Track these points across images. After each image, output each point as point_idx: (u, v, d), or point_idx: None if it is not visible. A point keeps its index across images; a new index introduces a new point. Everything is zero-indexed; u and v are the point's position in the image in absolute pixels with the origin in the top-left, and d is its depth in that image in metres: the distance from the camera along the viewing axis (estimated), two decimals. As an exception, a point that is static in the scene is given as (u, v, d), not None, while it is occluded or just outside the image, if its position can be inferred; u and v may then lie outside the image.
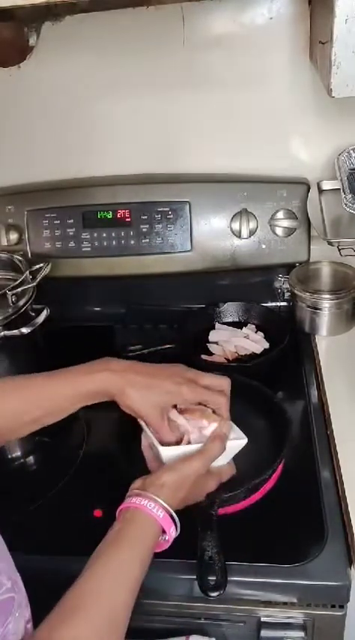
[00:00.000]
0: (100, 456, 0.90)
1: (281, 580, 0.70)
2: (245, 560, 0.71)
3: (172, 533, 0.62)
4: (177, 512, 0.63)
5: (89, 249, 1.13)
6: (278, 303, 1.17)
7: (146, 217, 1.11)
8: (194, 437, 0.71)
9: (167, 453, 0.68)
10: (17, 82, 1.10)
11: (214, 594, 0.66)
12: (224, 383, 0.72)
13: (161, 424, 0.69)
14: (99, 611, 0.53)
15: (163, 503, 0.61)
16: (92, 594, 0.54)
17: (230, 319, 1.16)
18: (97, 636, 0.52)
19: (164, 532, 0.62)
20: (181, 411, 0.72)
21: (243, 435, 0.71)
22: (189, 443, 0.70)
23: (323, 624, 0.73)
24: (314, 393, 0.98)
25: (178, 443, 0.70)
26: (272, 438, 0.82)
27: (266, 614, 0.73)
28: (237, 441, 0.71)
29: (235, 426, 0.73)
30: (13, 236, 1.13)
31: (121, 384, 0.68)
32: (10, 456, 0.93)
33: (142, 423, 0.72)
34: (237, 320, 1.16)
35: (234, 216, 1.10)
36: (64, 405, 0.70)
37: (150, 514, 0.60)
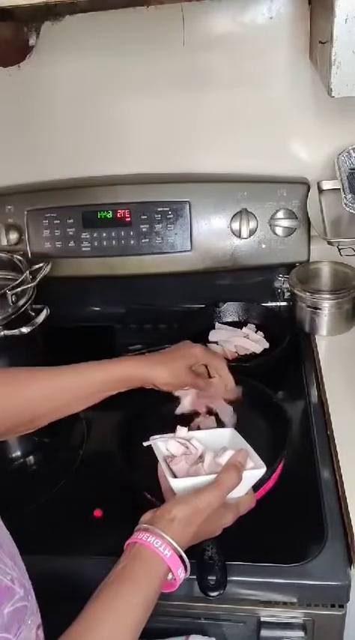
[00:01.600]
0: (100, 456, 0.90)
1: (281, 580, 0.70)
2: (245, 560, 0.71)
3: (180, 574, 0.58)
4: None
5: (89, 249, 1.13)
6: (278, 303, 1.17)
7: (146, 217, 1.11)
8: (208, 461, 0.67)
9: (178, 485, 0.63)
10: (17, 82, 1.10)
11: (214, 594, 0.65)
12: (218, 354, 0.86)
13: (195, 379, 0.79)
14: None
15: (171, 541, 0.57)
16: (91, 632, 0.52)
17: (230, 319, 1.16)
18: None
19: (171, 572, 0.58)
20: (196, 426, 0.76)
21: (262, 463, 0.66)
22: (201, 462, 0.67)
23: (323, 624, 0.73)
24: (314, 392, 0.98)
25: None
26: (273, 438, 0.82)
27: (266, 614, 0.73)
28: (256, 471, 0.65)
29: (253, 452, 0.68)
30: (13, 236, 1.13)
31: (151, 367, 0.76)
32: (10, 456, 0.93)
33: (157, 454, 0.69)
34: (237, 320, 1.16)
35: (234, 216, 1.10)
36: (92, 391, 0.74)
37: (156, 553, 0.57)
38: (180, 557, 0.58)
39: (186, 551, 0.59)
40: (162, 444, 0.71)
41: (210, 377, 0.82)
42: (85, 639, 0.51)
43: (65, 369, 0.75)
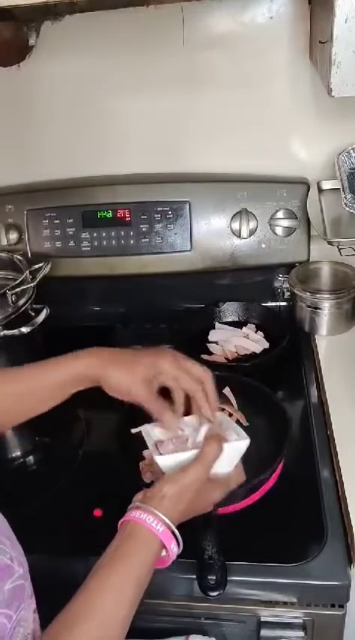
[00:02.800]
0: (100, 456, 0.90)
1: (281, 580, 0.70)
2: (245, 560, 0.71)
3: (173, 549, 0.59)
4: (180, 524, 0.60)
5: (89, 248, 1.13)
6: (278, 303, 1.17)
7: (146, 217, 1.11)
8: (191, 440, 0.69)
9: (162, 461, 0.65)
10: (17, 82, 1.10)
11: (214, 594, 0.66)
12: (204, 374, 0.70)
13: (149, 397, 0.68)
14: (90, 631, 0.52)
15: (163, 517, 0.59)
16: (86, 613, 0.53)
17: (230, 319, 1.16)
18: None
19: (165, 548, 0.59)
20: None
21: (245, 435, 0.68)
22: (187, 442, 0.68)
23: (323, 624, 0.73)
24: (313, 392, 0.98)
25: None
26: (272, 438, 0.82)
27: (266, 614, 0.73)
28: (239, 442, 0.67)
29: (237, 427, 0.70)
30: (13, 236, 1.13)
31: (104, 367, 0.68)
32: (10, 456, 0.93)
33: (147, 440, 0.70)
34: (237, 320, 1.16)
35: (233, 215, 1.10)
36: (54, 392, 0.71)
37: (149, 529, 0.58)
38: (173, 533, 0.59)
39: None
40: (151, 430, 0.71)
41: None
42: (81, 617, 0.52)
43: (26, 371, 0.72)
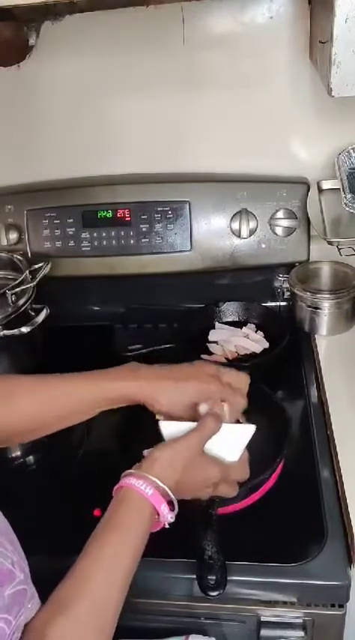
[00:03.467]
0: (100, 456, 0.89)
1: (281, 579, 0.70)
2: (245, 560, 0.71)
3: (164, 510, 0.59)
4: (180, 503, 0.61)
5: (89, 248, 1.13)
6: (278, 303, 1.17)
7: (146, 217, 1.11)
8: None
9: (166, 427, 0.67)
10: (17, 82, 1.10)
11: (214, 594, 0.66)
12: (243, 379, 0.73)
13: (191, 418, 0.70)
14: (85, 608, 0.52)
15: (154, 478, 0.59)
16: (80, 590, 0.53)
17: (230, 319, 1.16)
18: (83, 634, 0.51)
19: (156, 511, 0.59)
20: None
21: (250, 424, 0.68)
22: None
23: (323, 624, 0.73)
24: (313, 392, 0.98)
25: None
26: (272, 438, 0.82)
27: (266, 614, 0.73)
28: (243, 426, 0.67)
29: (242, 420, 0.70)
30: (13, 235, 1.13)
31: (152, 393, 0.69)
32: (10, 456, 0.93)
33: (162, 431, 0.69)
34: (237, 319, 1.16)
35: (233, 215, 1.09)
36: (89, 407, 0.71)
37: (138, 492, 0.58)
38: (165, 495, 0.59)
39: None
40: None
41: None
42: (75, 594, 0.52)
43: (62, 380, 0.72)
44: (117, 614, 0.54)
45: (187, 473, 0.62)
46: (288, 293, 1.13)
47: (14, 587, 0.51)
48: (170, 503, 0.60)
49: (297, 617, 0.73)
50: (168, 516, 0.60)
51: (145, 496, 0.58)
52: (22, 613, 0.51)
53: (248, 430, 0.67)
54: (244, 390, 0.73)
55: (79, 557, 0.55)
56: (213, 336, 1.11)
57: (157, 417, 0.72)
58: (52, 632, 0.50)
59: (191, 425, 0.65)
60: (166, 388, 0.70)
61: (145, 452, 0.80)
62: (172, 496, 0.60)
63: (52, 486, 0.85)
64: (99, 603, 0.53)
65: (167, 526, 0.61)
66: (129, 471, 0.61)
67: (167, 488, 0.59)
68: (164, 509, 0.59)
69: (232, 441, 0.66)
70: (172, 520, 0.60)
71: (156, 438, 0.82)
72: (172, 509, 0.60)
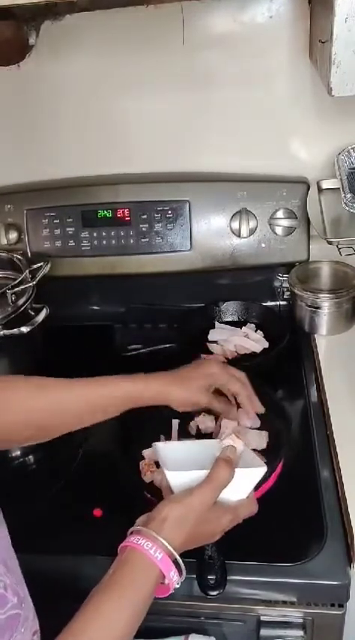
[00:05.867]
0: (100, 456, 0.90)
1: (280, 579, 0.70)
2: (244, 559, 0.71)
3: (172, 577, 0.56)
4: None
5: (88, 248, 1.13)
6: (278, 303, 1.17)
7: (146, 216, 1.11)
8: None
9: (173, 477, 0.62)
10: (16, 81, 1.10)
11: (214, 593, 0.66)
12: (244, 377, 0.81)
13: (211, 401, 0.78)
14: None
15: (163, 542, 0.55)
16: None
17: (230, 318, 1.16)
18: None
19: (164, 576, 0.56)
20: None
21: (262, 463, 0.65)
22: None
23: (323, 623, 0.73)
24: (313, 392, 0.98)
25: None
26: (272, 438, 0.82)
27: (265, 613, 0.73)
28: (253, 469, 0.63)
29: (256, 457, 0.67)
30: (13, 235, 1.13)
31: (165, 387, 0.75)
32: (10, 456, 0.93)
33: (158, 453, 0.69)
34: (237, 319, 1.16)
35: (233, 215, 1.09)
36: (110, 406, 0.73)
37: (147, 556, 0.55)
38: (175, 560, 0.56)
39: (184, 554, 0.58)
40: (162, 448, 0.70)
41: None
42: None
43: (83, 381, 0.74)
44: None
45: (197, 527, 0.59)
46: (288, 293, 1.13)
47: (6, 612, 0.50)
48: (175, 563, 0.57)
49: (297, 617, 0.73)
50: (176, 582, 0.57)
51: (154, 561, 0.55)
52: (15, 637, 0.50)
53: (259, 472, 0.64)
54: (246, 384, 0.80)
55: (77, 613, 0.52)
56: (212, 335, 1.11)
57: (147, 450, 0.74)
58: None
59: (201, 474, 0.61)
60: (176, 380, 0.76)
61: (145, 452, 0.81)
62: (179, 560, 0.56)
63: (52, 486, 0.85)
64: None
65: (173, 592, 0.57)
66: (137, 528, 0.58)
67: (174, 552, 0.56)
68: (173, 575, 0.56)
69: (242, 482, 0.63)
70: (178, 586, 0.57)
71: (156, 438, 0.82)
72: (180, 572, 0.57)
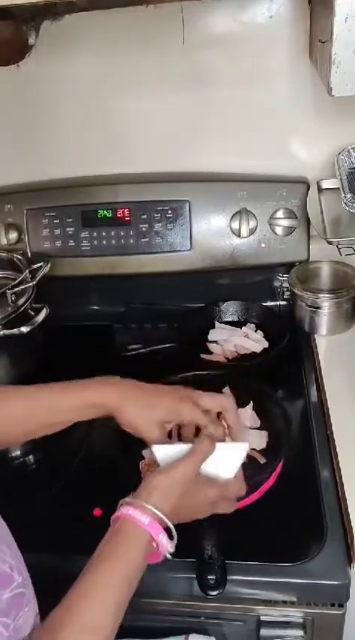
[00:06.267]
0: (100, 456, 0.90)
1: (280, 579, 0.70)
2: (244, 559, 0.71)
3: (162, 540, 0.58)
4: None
5: (88, 248, 1.13)
6: (278, 303, 1.17)
7: (145, 216, 1.11)
8: None
9: (159, 450, 0.66)
10: (16, 81, 1.10)
11: (214, 593, 0.66)
12: (225, 402, 0.72)
13: (158, 440, 0.69)
14: (72, 633, 0.51)
15: (151, 507, 0.58)
16: (69, 617, 0.52)
17: (229, 318, 1.16)
18: None
19: (154, 541, 0.58)
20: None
21: (246, 442, 0.67)
22: None
23: (323, 623, 0.73)
24: (313, 392, 0.98)
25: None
26: (272, 438, 0.82)
27: (265, 613, 0.73)
28: (236, 444, 0.67)
29: (245, 433, 0.70)
30: (13, 235, 1.13)
31: (119, 400, 0.68)
32: (10, 456, 0.93)
33: (156, 455, 0.68)
34: (237, 319, 1.16)
35: (233, 215, 1.09)
36: (65, 416, 0.71)
37: (135, 522, 0.57)
38: (165, 526, 0.58)
39: (185, 550, 0.58)
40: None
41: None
42: (64, 623, 0.51)
43: (38, 391, 0.72)
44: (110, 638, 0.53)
45: (184, 497, 0.61)
46: (288, 293, 1.13)
47: (12, 590, 0.51)
48: (168, 531, 0.58)
49: (297, 617, 0.73)
50: (168, 546, 0.58)
51: (142, 525, 0.57)
52: (21, 616, 0.51)
53: (242, 448, 0.66)
54: (229, 410, 0.71)
55: (72, 586, 0.54)
56: (212, 335, 1.11)
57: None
58: None
59: (185, 447, 0.64)
60: (134, 396, 0.69)
61: (145, 452, 0.80)
62: (169, 524, 0.58)
63: (52, 486, 0.85)
64: (87, 629, 0.52)
65: (169, 557, 0.59)
66: (126, 499, 0.60)
67: (164, 517, 0.58)
68: (162, 538, 0.58)
69: (227, 459, 0.65)
70: (172, 550, 0.59)
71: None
72: (171, 538, 0.59)
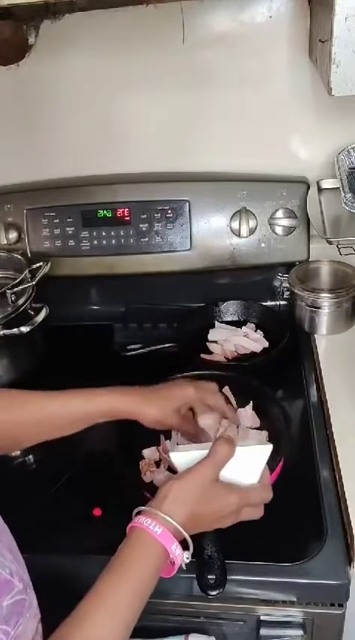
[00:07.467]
0: (100, 456, 0.90)
1: (280, 579, 0.70)
2: (244, 559, 0.71)
3: (175, 551, 0.55)
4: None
5: (88, 248, 1.13)
6: (278, 302, 1.17)
7: (145, 216, 1.11)
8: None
9: (177, 457, 0.64)
10: (16, 81, 1.10)
11: (214, 593, 0.65)
12: (212, 386, 0.81)
13: (182, 423, 0.77)
14: None
15: (164, 516, 0.56)
16: (77, 627, 0.51)
17: (229, 318, 1.16)
18: None
19: (167, 552, 0.56)
20: None
21: (267, 442, 0.67)
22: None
23: (323, 623, 0.73)
24: (313, 392, 0.98)
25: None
26: (272, 438, 0.82)
27: (265, 613, 0.73)
28: (258, 447, 0.63)
29: (261, 436, 0.70)
30: (13, 235, 1.13)
31: (138, 404, 0.75)
32: (10, 455, 0.93)
33: (173, 463, 0.67)
34: (237, 319, 1.16)
35: (233, 215, 1.09)
36: (77, 420, 0.74)
37: (147, 532, 0.55)
38: (177, 535, 0.56)
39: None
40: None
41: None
42: (75, 634, 0.51)
43: (53, 397, 0.75)
44: None
45: (201, 505, 0.58)
46: (288, 292, 1.13)
47: (13, 597, 0.51)
48: (183, 541, 0.57)
49: (297, 617, 0.73)
50: (183, 556, 0.57)
51: (154, 535, 0.55)
52: (21, 623, 0.51)
53: (265, 450, 0.63)
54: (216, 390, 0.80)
55: (83, 598, 0.53)
56: (212, 335, 1.11)
57: (169, 448, 0.75)
58: None
59: (203, 453, 0.61)
60: (151, 398, 0.76)
61: (145, 452, 0.81)
62: (184, 533, 0.56)
63: (52, 486, 0.85)
64: (95, 637, 0.51)
65: (184, 567, 0.58)
66: (140, 508, 0.59)
67: (177, 526, 0.56)
68: (175, 549, 0.55)
69: (249, 463, 0.62)
70: (187, 561, 0.57)
71: (156, 440, 0.82)
72: (186, 548, 0.57)
